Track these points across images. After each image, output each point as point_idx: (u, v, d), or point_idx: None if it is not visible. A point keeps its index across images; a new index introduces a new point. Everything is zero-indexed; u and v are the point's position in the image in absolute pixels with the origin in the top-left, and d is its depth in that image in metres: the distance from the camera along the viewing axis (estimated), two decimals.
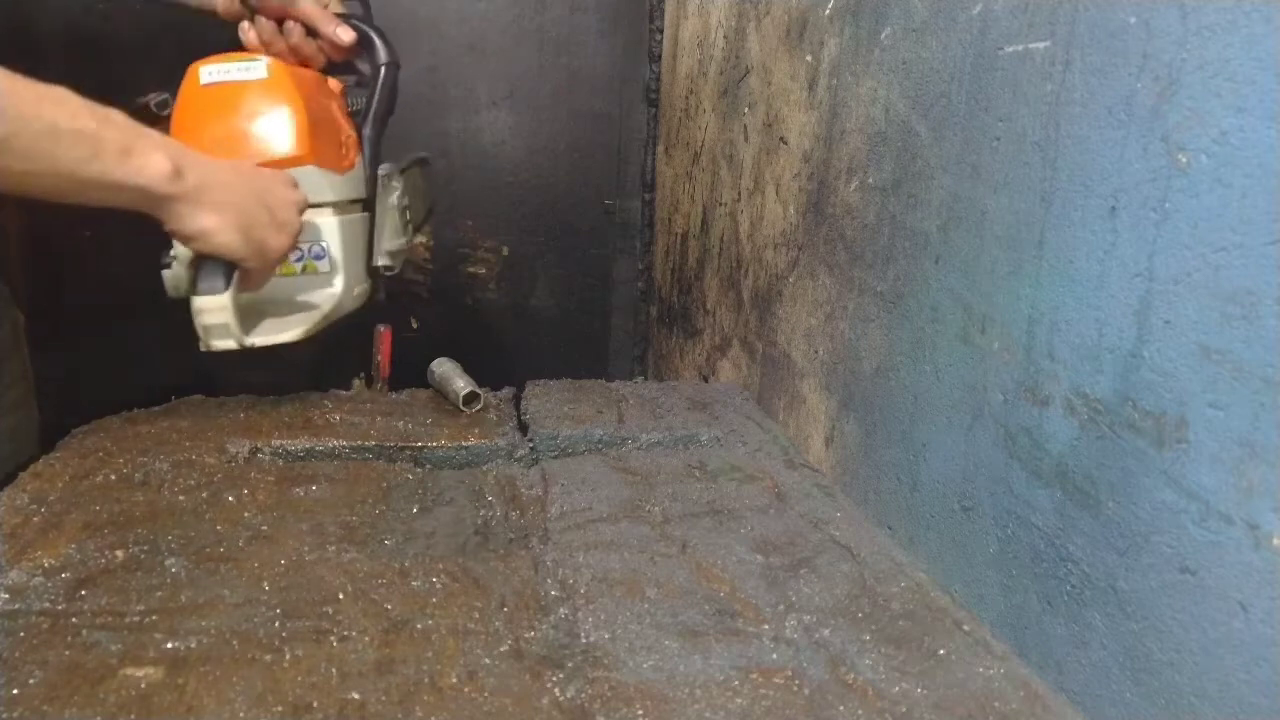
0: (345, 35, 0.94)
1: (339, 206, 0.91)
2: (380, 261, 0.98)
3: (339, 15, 0.95)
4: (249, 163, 0.81)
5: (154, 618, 0.59)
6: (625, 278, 1.86)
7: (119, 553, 0.66)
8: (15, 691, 0.51)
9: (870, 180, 0.83)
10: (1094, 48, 0.54)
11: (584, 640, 0.58)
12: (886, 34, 0.80)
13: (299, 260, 0.89)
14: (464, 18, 1.69)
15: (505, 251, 1.81)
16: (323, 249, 0.89)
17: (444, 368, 1.03)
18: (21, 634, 0.56)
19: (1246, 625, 0.45)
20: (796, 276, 1.01)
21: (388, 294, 1.86)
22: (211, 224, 0.73)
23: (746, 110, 1.19)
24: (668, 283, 1.67)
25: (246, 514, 0.73)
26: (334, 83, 0.95)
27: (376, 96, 0.95)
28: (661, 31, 1.69)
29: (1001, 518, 0.63)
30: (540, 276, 1.84)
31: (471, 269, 1.81)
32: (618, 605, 0.62)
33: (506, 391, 1.05)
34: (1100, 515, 0.54)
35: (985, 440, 0.65)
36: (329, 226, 0.89)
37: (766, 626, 0.61)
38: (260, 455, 0.87)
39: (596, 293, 1.86)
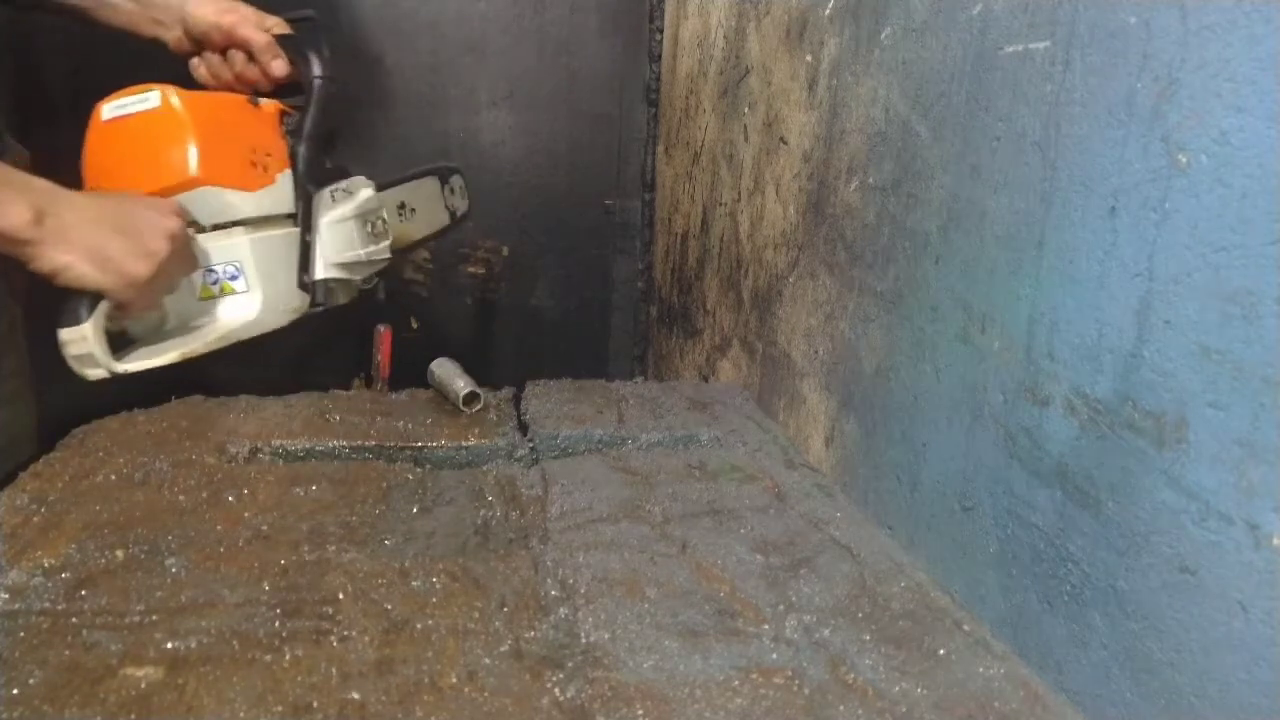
0: (279, 69, 0.96)
1: (253, 224, 0.91)
2: (322, 275, 0.97)
3: (279, 37, 0.96)
4: (124, 195, 0.82)
5: (154, 618, 0.59)
6: (625, 278, 1.86)
7: (119, 553, 0.66)
8: (15, 691, 0.51)
9: (870, 180, 0.83)
10: (1094, 48, 0.54)
11: (584, 640, 0.58)
12: (886, 34, 0.80)
13: (214, 282, 0.89)
14: (464, 18, 1.69)
15: (505, 251, 1.81)
16: (237, 268, 0.89)
17: (444, 368, 1.03)
18: (21, 634, 0.56)
19: (1246, 625, 0.45)
20: (796, 276, 1.01)
21: (387, 294, 1.87)
22: (66, 261, 0.75)
23: (746, 110, 1.19)
24: (668, 283, 1.67)
25: (246, 514, 0.73)
26: (271, 104, 0.96)
27: (310, 113, 0.95)
28: (661, 31, 1.69)
29: (1001, 518, 0.63)
30: (540, 276, 1.84)
31: (471, 269, 1.81)
32: (618, 605, 0.62)
33: (506, 391, 1.05)
34: (1100, 515, 0.54)
35: (985, 440, 0.65)
36: (239, 246, 0.89)
37: (766, 626, 0.61)
38: (260, 455, 0.87)
39: (596, 293, 1.86)
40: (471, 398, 0.98)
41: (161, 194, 0.84)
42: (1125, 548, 0.52)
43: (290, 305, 0.94)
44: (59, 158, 0.85)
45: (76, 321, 0.78)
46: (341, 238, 0.98)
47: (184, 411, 0.95)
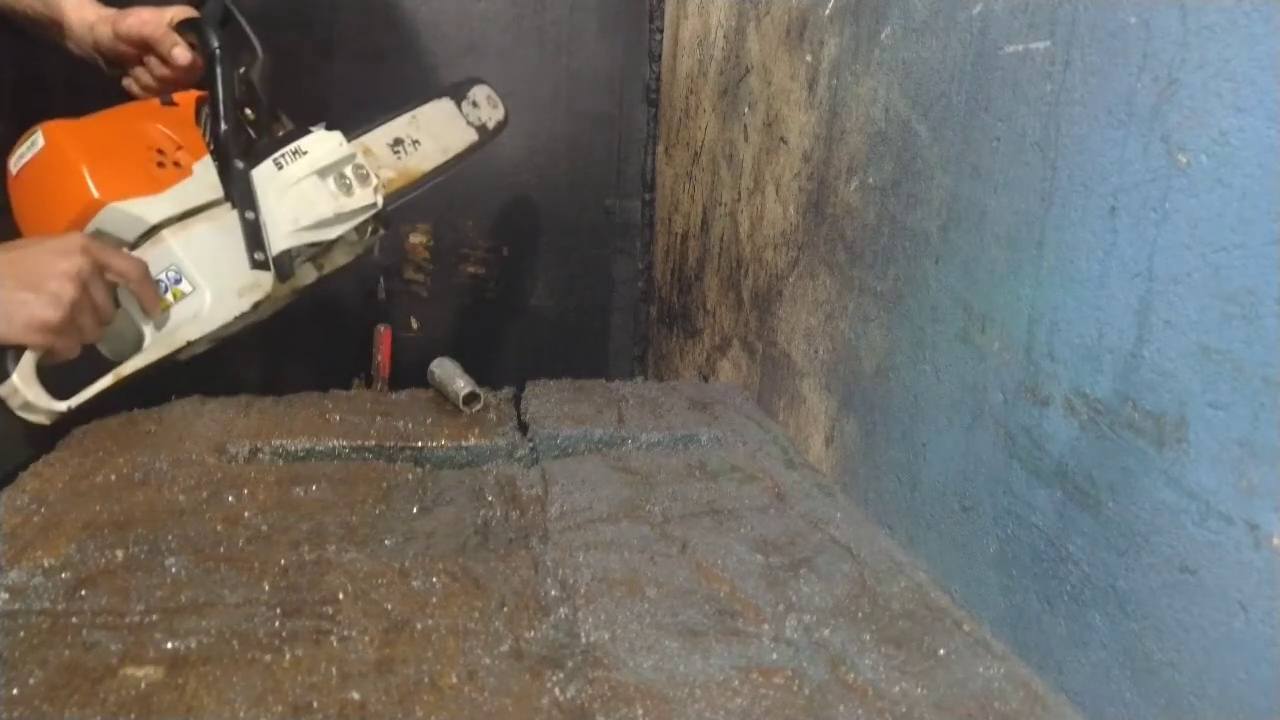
0: (181, 56, 0.95)
1: (177, 222, 0.89)
2: (285, 245, 0.93)
3: (182, 23, 0.94)
4: (22, 243, 0.82)
5: (154, 618, 0.59)
6: (625, 278, 1.86)
7: (119, 553, 0.66)
8: (15, 691, 0.51)
9: (870, 180, 0.83)
10: (1094, 48, 0.54)
11: (584, 640, 0.58)
12: (886, 34, 0.80)
13: (165, 292, 0.89)
14: (464, 18, 1.69)
15: (505, 251, 1.81)
16: (176, 271, 0.88)
17: (444, 368, 1.03)
18: (21, 634, 0.56)
19: (1246, 625, 0.45)
20: (796, 276, 1.01)
21: (387, 294, 1.87)
22: None
23: (746, 110, 1.19)
24: (668, 283, 1.67)
25: (246, 514, 0.73)
26: (186, 95, 0.94)
27: (214, 91, 0.93)
28: (661, 31, 1.69)
29: (1001, 518, 0.63)
30: (540, 276, 1.84)
31: (471, 269, 1.81)
32: (618, 605, 0.62)
33: (506, 391, 1.05)
34: (1100, 515, 0.54)
35: (985, 440, 0.65)
36: (168, 249, 0.88)
37: (766, 626, 0.61)
38: (260, 455, 0.87)
39: (596, 293, 1.86)
40: (471, 398, 0.98)
41: (71, 227, 0.84)
42: (1125, 548, 0.52)
43: (245, 288, 0.91)
44: None
45: (3, 377, 0.79)
46: (299, 201, 0.93)
47: (184, 411, 0.95)
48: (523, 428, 0.96)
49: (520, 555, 0.69)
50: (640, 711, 0.52)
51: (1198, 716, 0.47)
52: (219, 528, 0.71)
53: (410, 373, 1.09)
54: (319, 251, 0.98)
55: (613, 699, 0.53)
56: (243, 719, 0.50)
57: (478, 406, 0.98)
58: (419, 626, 0.59)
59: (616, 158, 1.79)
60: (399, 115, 1.10)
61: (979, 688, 0.56)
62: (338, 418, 0.93)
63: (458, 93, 1.19)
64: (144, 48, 0.95)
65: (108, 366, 0.87)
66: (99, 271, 0.81)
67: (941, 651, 0.59)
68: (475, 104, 1.20)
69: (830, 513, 0.78)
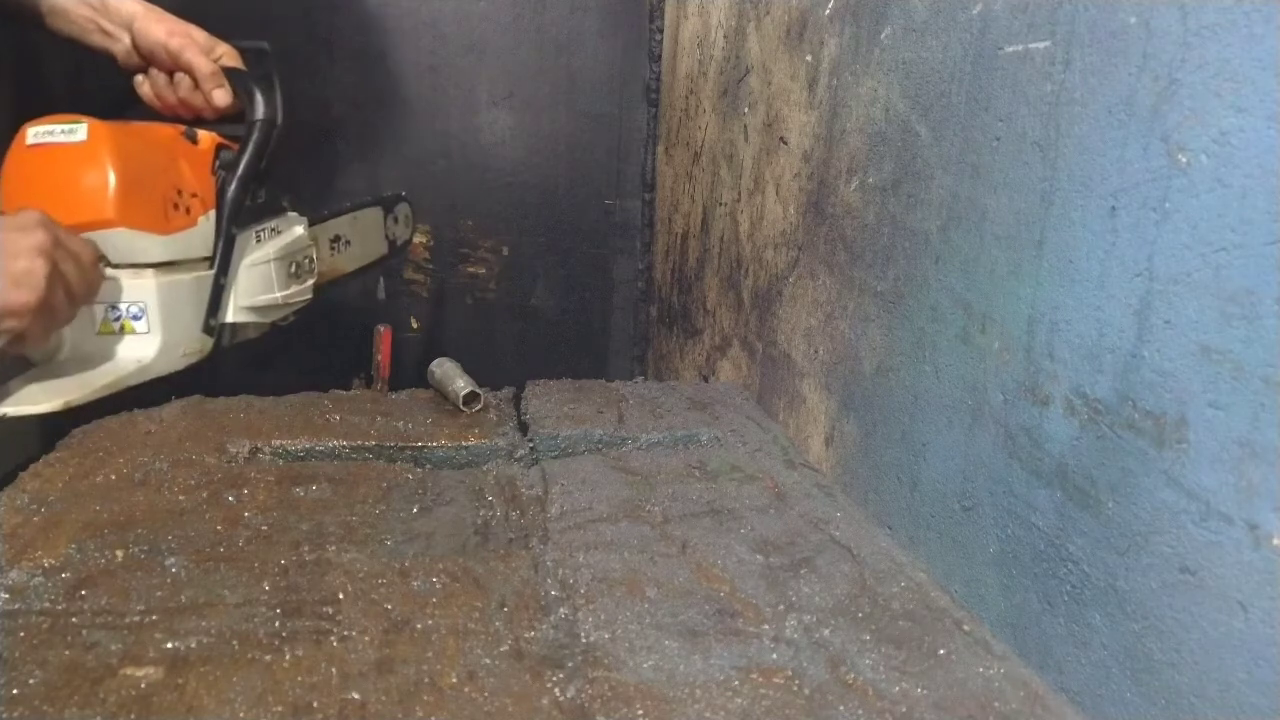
0: (221, 99, 0.93)
1: (163, 268, 0.88)
2: (231, 319, 0.94)
3: (226, 69, 0.93)
4: None
5: (154, 618, 0.59)
6: (625, 278, 1.86)
7: (119, 553, 0.66)
8: (15, 691, 0.51)
9: (870, 180, 0.83)
10: (1094, 48, 0.54)
11: (584, 640, 0.58)
12: (886, 34, 0.80)
13: (116, 319, 0.87)
14: (464, 18, 1.70)
15: (505, 251, 1.81)
16: (140, 309, 0.86)
17: (444, 368, 1.03)
18: (21, 634, 0.56)
19: (1246, 625, 0.45)
20: (796, 276, 1.01)
21: (388, 294, 1.87)
22: None
23: (746, 110, 1.19)
24: (668, 283, 1.67)
25: (246, 514, 0.73)
26: (208, 138, 0.94)
27: (246, 155, 0.92)
28: (661, 31, 1.69)
29: (1001, 518, 0.63)
30: (540, 276, 1.84)
31: (471, 269, 1.81)
32: (618, 605, 0.62)
33: (506, 391, 1.05)
34: (1100, 515, 0.54)
35: (985, 440, 0.65)
36: (146, 288, 0.86)
37: (766, 626, 0.61)
38: (260, 455, 0.87)
39: (596, 293, 1.86)
40: (471, 398, 0.98)
41: (74, 229, 0.82)
42: (1125, 548, 0.52)
43: (190, 349, 0.91)
44: None
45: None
46: (259, 281, 0.95)
47: (184, 411, 0.95)
48: (523, 428, 0.96)
49: (520, 555, 0.69)
50: (640, 711, 0.52)
51: (1198, 716, 0.47)
52: (219, 528, 0.71)
53: (410, 373, 1.09)
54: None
55: (613, 699, 0.53)
56: (243, 719, 0.50)
57: (478, 406, 0.98)
58: (419, 626, 0.59)
59: (616, 158, 1.79)
60: (343, 214, 1.12)
61: (979, 688, 0.56)
62: (338, 418, 0.93)
63: (387, 206, 1.23)
64: (181, 68, 0.94)
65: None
66: (61, 246, 0.77)
67: (941, 651, 0.59)
68: (397, 219, 1.25)
69: (830, 513, 0.78)
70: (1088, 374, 0.55)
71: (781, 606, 0.63)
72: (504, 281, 1.83)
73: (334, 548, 0.69)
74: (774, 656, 0.58)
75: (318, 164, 1.71)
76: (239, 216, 0.93)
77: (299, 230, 0.98)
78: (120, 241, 0.85)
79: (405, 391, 1.05)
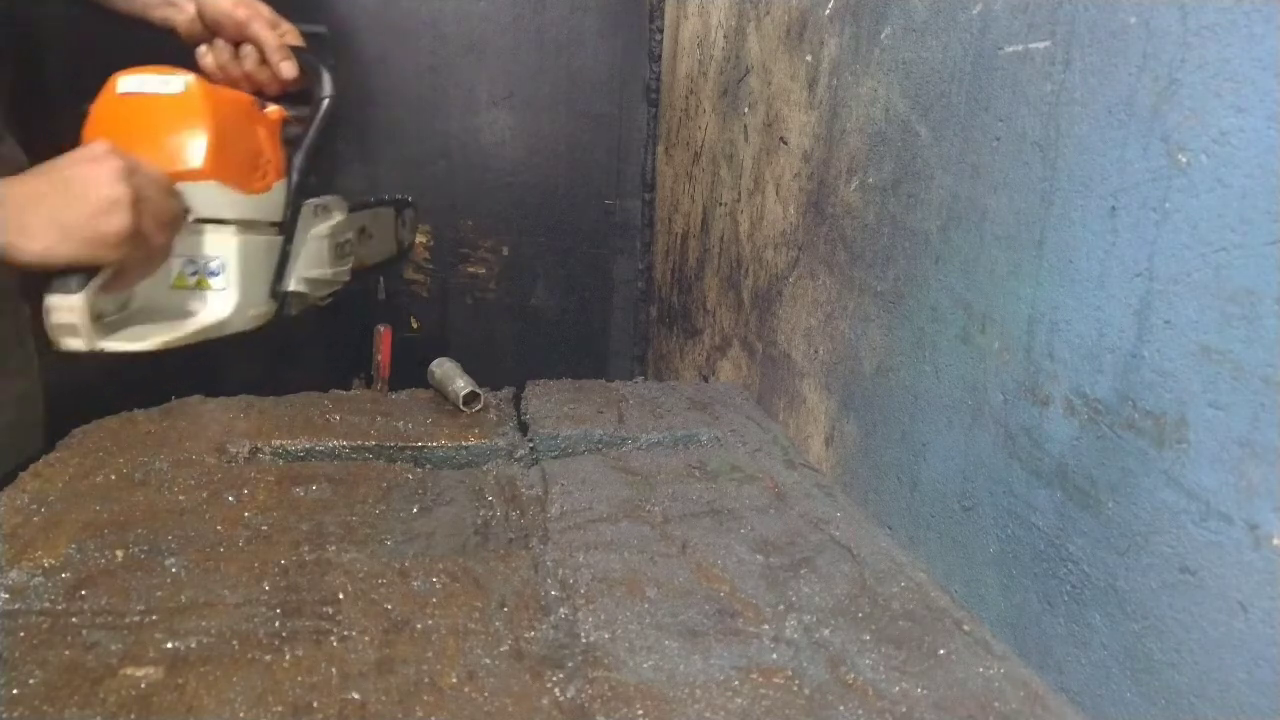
0: (288, 70, 0.95)
1: (244, 226, 0.91)
2: (292, 288, 0.98)
3: (291, 47, 0.96)
4: (61, 161, 0.76)
5: (154, 618, 0.59)
6: (625, 278, 1.86)
7: (119, 553, 0.66)
8: (15, 691, 0.51)
9: (870, 180, 0.83)
10: (1094, 48, 0.54)
11: (584, 640, 0.58)
12: (886, 34, 0.80)
13: (193, 274, 0.89)
14: (464, 18, 1.70)
15: (505, 251, 1.81)
16: (219, 266, 0.89)
17: (444, 368, 1.03)
18: (21, 634, 0.56)
19: (1246, 625, 0.45)
20: (796, 276, 1.01)
21: (387, 294, 1.87)
22: (22, 240, 0.70)
23: (746, 110, 1.19)
24: (668, 283, 1.67)
25: (246, 514, 0.73)
26: (276, 110, 0.96)
27: (312, 128, 0.96)
28: (661, 31, 1.69)
29: (1001, 518, 0.63)
30: (540, 276, 1.84)
31: (471, 269, 1.81)
32: (618, 605, 0.62)
33: (506, 391, 1.05)
34: (1100, 515, 0.54)
35: (985, 440, 0.65)
36: (228, 244, 0.89)
37: (766, 626, 0.61)
38: (260, 455, 0.87)
39: (596, 293, 1.86)
40: (471, 398, 0.98)
41: (175, 180, 0.83)
42: (1125, 548, 0.52)
43: (259, 311, 0.94)
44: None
45: (68, 290, 0.76)
46: (315, 253, 0.99)
47: (184, 411, 0.95)
48: (523, 428, 0.96)
49: (520, 555, 0.69)
50: (640, 711, 0.52)
51: (1198, 716, 0.47)
52: (219, 528, 0.71)
53: (410, 373, 1.09)
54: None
55: (613, 699, 0.53)
56: (243, 719, 0.50)
57: (478, 406, 0.98)
58: (419, 626, 0.59)
59: (616, 158, 1.79)
60: (368, 207, 1.16)
61: (979, 688, 0.56)
62: (338, 418, 0.93)
63: (398, 208, 1.28)
64: (247, 40, 0.95)
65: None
66: (138, 172, 0.76)
67: (941, 651, 0.59)
68: (404, 223, 1.30)
69: (830, 513, 0.78)
70: (1088, 374, 0.55)
71: (781, 606, 0.63)
72: (504, 281, 1.83)
73: (334, 548, 0.69)
74: (774, 656, 0.58)
75: (318, 164, 1.71)
76: (304, 188, 0.96)
77: (341, 213, 1.02)
78: (207, 195, 0.87)
79: (405, 391, 1.05)
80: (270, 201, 0.94)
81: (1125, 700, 0.52)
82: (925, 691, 0.55)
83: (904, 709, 0.53)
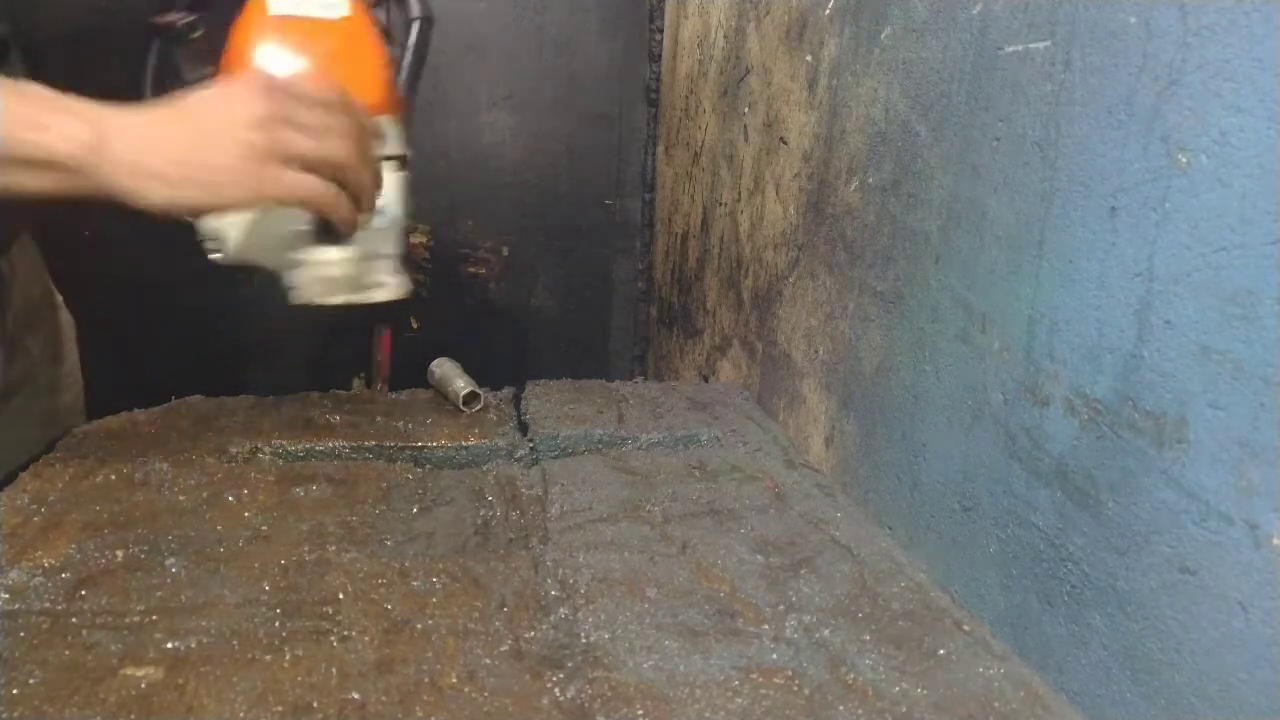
0: None
1: (398, 161, 0.83)
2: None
3: None
4: (187, 101, 0.65)
5: (154, 618, 0.59)
6: (625, 278, 1.86)
7: (119, 553, 0.66)
8: (15, 691, 0.51)
9: (870, 180, 0.83)
10: (1094, 48, 0.54)
11: (584, 640, 0.58)
12: (886, 34, 0.80)
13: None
14: (464, 18, 1.69)
15: (505, 251, 1.81)
16: (384, 207, 0.78)
17: (444, 368, 1.03)
18: (21, 634, 0.56)
19: (1246, 625, 0.45)
20: (796, 276, 1.01)
21: None
22: (158, 191, 0.61)
23: (746, 110, 1.19)
24: (668, 283, 1.67)
25: (246, 514, 0.73)
26: None
27: (411, 52, 0.86)
28: (661, 31, 1.69)
29: (1001, 518, 0.63)
30: (540, 276, 1.84)
31: (471, 269, 1.81)
32: (618, 605, 0.62)
33: (506, 391, 1.05)
34: (1100, 515, 0.54)
35: (985, 440, 0.65)
36: (389, 181, 0.78)
37: (766, 626, 0.61)
38: (260, 455, 0.87)
39: (596, 293, 1.86)
40: (471, 397, 0.98)
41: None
42: (1125, 548, 0.52)
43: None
44: None
45: (337, 242, 0.70)
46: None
47: (184, 411, 0.95)
48: (523, 428, 0.96)
49: (520, 555, 0.69)
50: (640, 711, 0.52)
51: (1198, 716, 0.47)
52: (219, 528, 0.71)
53: (410, 373, 1.09)
54: None
55: (613, 699, 0.53)
56: (243, 719, 0.50)
57: (478, 406, 0.98)
58: (419, 626, 0.59)
59: (616, 158, 1.79)
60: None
61: (979, 688, 0.56)
62: (338, 418, 0.93)
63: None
64: None
65: None
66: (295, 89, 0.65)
67: (941, 651, 0.59)
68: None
69: (830, 513, 0.78)
70: (1088, 374, 0.55)
71: (781, 606, 0.63)
72: (504, 281, 1.83)
73: (334, 548, 0.69)
74: (774, 656, 0.58)
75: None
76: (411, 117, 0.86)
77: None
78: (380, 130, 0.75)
79: (405, 391, 1.05)
80: (397, 134, 0.84)
81: (1125, 700, 0.52)
82: (925, 691, 0.55)
83: (904, 709, 0.53)
